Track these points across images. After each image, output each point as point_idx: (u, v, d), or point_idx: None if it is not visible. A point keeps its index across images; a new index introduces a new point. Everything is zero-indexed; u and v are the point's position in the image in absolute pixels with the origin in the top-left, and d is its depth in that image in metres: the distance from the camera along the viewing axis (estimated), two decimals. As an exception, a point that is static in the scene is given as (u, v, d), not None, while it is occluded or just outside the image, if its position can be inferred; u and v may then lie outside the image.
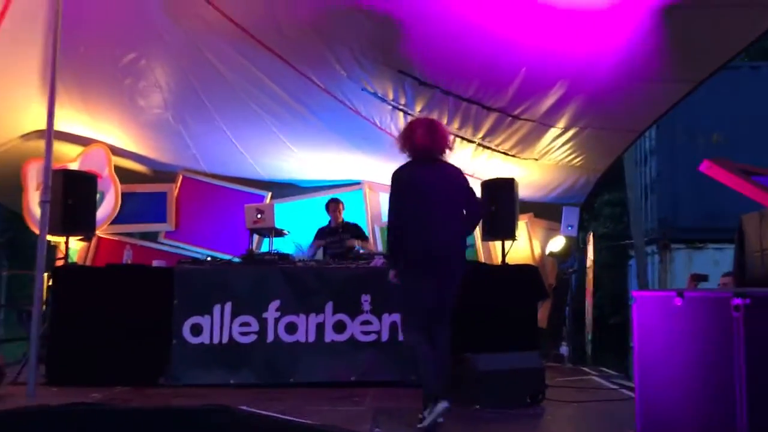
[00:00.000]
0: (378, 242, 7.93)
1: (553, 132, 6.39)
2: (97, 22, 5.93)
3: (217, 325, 5.49)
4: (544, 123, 6.26)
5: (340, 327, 5.51)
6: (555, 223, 7.76)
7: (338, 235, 7.04)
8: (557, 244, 7.62)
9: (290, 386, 5.33)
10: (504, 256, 6.57)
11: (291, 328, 5.50)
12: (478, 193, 6.80)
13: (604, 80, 5.53)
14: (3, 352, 7.27)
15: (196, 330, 5.48)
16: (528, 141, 6.62)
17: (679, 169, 10.50)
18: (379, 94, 6.26)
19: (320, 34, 5.67)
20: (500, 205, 6.52)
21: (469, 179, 7.28)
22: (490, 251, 7.90)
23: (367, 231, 7.68)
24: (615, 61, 5.32)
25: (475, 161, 7.14)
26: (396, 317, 5.25)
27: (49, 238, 5.57)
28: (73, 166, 7.52)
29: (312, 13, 5.47)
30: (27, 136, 7.26)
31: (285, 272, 5.62)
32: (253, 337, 5.49)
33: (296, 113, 6.82)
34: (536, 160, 6.92)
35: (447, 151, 4.35)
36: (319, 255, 7.03)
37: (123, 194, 7.87)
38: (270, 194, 8.19)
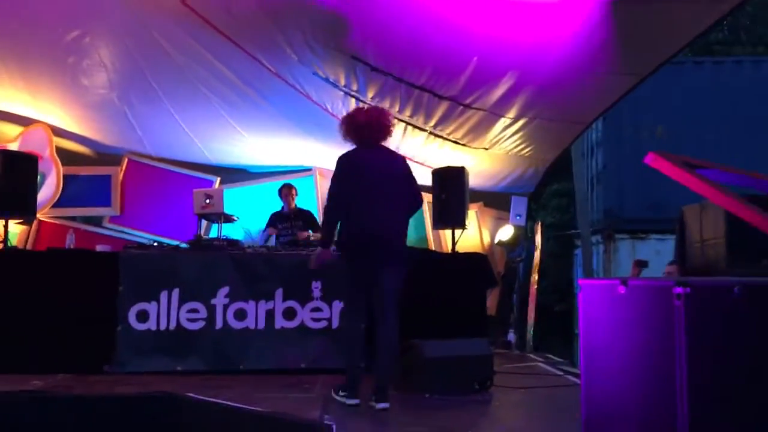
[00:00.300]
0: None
1: (503, 122, 6.47)
2: (40, -3, 5.73)
3: (164, 312, 5.39)
4: (495, 112, 6.33)
5: (290, 314, 5.48)
6: (504, 213, 7.86)
7: (290, 221, 6.98)
8: (506, 233, 7.73)
9: (239, 373, 5.28)
10: (454, 244, 6.63)
11: (240, 315, 5.45)
12: (429, 181, 6.86)
13: (554, 71, 5.62)
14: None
15: (143, 316, 5.38)
16: (479, 130, 6.68)
17: (624, 161, 10.76)
18: (331, 80, 6.22)
19: (271, 16, 5.58)
20: (450, 193, 6.57)
21: (420, 167, 7.40)
22: (440, 239, 7.96)
23: (318, 218, 7.64)
24: (564, 52, 5.40)
25: (426, 149, 7.17)
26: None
27: (-14, 221, 5.38)
28: (13, 146, 7.27)
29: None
30: (-37, 115, 6.99)
31: (234, 258, 5.56)
32: (201, 324, 5.41)
33: (246, 97, 6.72)
34: (486, 149, 6.99)
35: (389, 136, 4.44)
36: (271, 241, 6.97)
37: (65, 176, 7.65)
38: (219, 179, 8.06)
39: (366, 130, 4.33)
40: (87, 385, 4.81)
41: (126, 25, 6.04)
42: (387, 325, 4.17)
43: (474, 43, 5.48)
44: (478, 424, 3.80)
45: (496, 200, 8.01)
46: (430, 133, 6.83)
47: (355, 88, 6.26)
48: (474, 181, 7.14)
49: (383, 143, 4.42)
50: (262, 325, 5.45)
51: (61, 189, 7.60)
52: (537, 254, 7.88)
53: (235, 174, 8.19)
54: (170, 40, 6.13)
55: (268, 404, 3.84)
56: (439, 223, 6.86)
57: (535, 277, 7.82)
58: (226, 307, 5.44)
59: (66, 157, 7.68)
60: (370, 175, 4.24)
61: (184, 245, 5.91)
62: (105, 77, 6.68)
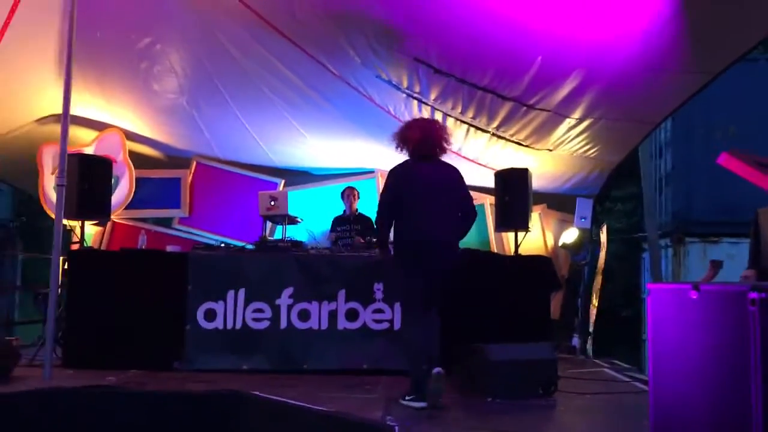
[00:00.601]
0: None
1: (568, 122, 6.35)
2: (113, 6, 5.94)
3: (231, 311, 5.52)
4: (560, 113, 6.22)
5: (352, 315, 5.53)
6: (568, 215, 7.73)
7: (349, 225, 7.05)
8: (570, 235, 7.59)
9: (302, 373, 5.36)
10: (517, 247, 6.55)
11: (304, 315, 5.52)
12: (492, 183, 6.80)
13: (621, 70, 5.48)
14: (19, 334, 7.36)
15: (210, 315, 5.51)
16: (543, 131, 6.58)
17: (694, 162, 10.44)
18: (394, 82, 6.24)
19: (335, 20, 5.64)
20: (514, 195, 6.50)
21: (483, 169, 7.35)
22: (502, 242, 7.88)
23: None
24: (632, 50, 5.26)
25: (489, 151, 7.11)
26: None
27: (64, 222, 5.60)
28: (89, 150, 7.55)
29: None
30: (42, 120, 7.30)
31: (298, 260, 5.64)
32: (266, 324, 5.52)
33: (310, 99, 6.81)
34: (550, 150, 6.88)
35: (444, 152, 4.55)
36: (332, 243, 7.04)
37: (137, 179, 7.90)
38: (283, 182, 8.19)
39: (420, 145, 4.45)
40: (159, 381, 4.96)
41: (194, 31, 6.22)
42: (432, 311, 4.42)
43: (538, 42, 5.39)
44: (542, 428, 3.75)
45: (560, 202, 7.88)
46: (493, 134, 6.77)
47: (417, 90, 6.26)
48: (537, 182, 7.04)
49: (439, 157, 4.52)
50: (325, 325, 5.51)
51: (133, 191, 7.86)
52: (602, 255, 7.71)
53: (299, 176, 8.31)
54: (236, 44, 6.26)
55: (331, 404, 3.88)
56: (502, 225, 6.79)
57: (599, 279, 7.65)
58: (290, 308, 5.53)
59: (138, 160, 7.93)
60: (422, 186, 4.38)
61: (249, 246, 6.03)
62: (175, 82, 6.88)
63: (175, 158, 8.19)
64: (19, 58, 6.20)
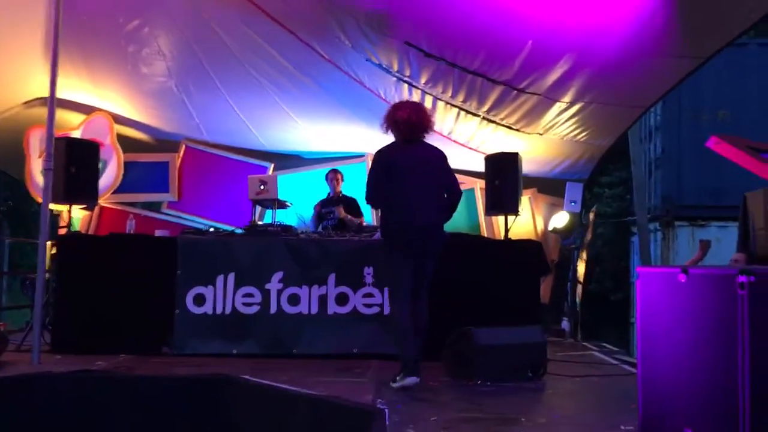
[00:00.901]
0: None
1: (558, 106, 6.34)
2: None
3: (220, 296, 5.51)
4: (550, 97, 6.21)
5: (342, 299, 5.53)
6: (558, 199, 7.74)
7: (333, 206, 7.03)
8: (560, 219, 7.61)
9: (292, 357, 5.36)
10: (507, 231, 6.56)
11: (294, 300, 5.52)
12: (482, 168, 6.80)
13: (611, 54, 5.47)
14: (7, 319, 7.33)
15: (199, 300, 5.50)
16: (533, 115, 6.57)
17: (683, 146, 10.47)
18: (384, 66, 6.21)
19: (324, 3, 5.60)
20: (504, 179, 6.49)
21: (473, 153, 7.34)
22: (492, 226, 7.90)
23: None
24: (622, 35, 5.25)
25: (479, 135, 7.11)
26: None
27: (51, 206, 5.56)
28: (76, 134, 7.49)
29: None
30: (29, 104, 7.23)
31: (288, 244, 5.63)
32: (256, 308, 5.51)
33: (300, 84, 6.77)
34: (541, 134, 6.88)
35: (429, 132, 4.61)
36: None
37: (125, 163, 7.86)
38: (273, 165, 8.17)
39: (410, 129, 4.51)
40: (148, 366, 4.96)
41: (182, 14, 6.16)
42: (420, 304, 4.46)
43: (529, 26, 5.37)
44: (531, 410, 3.77)
45: (550, 186, 7.89)
46: (483, 118, 6.76)
47: (408, 73, 6.23)
48: (528, 167, 7.04)
49: (422, 139, 4.60)
50: (315, 310, 5.51)
51: (121, 175, 7.81)
52: (588, 234, 7.73)
53: (289, 160, 8.28)
54: (226, 28, 6.21)
55: (321, 388, 3.89)
56: (492, 209, 6.79)
57: (583, 259, 7.67)
58: (280, 292, 5.52)
59: (126, 144, 7.88)
60: (408, 170, 4.44)
61: (239, 231, 6.01)
62: (164, 65, 6.82)
63: (164, 142, 8.14)
64: (5, 41, 6.12)
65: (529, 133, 6.89)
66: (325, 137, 7.81)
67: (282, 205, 6.57)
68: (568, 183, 7.58)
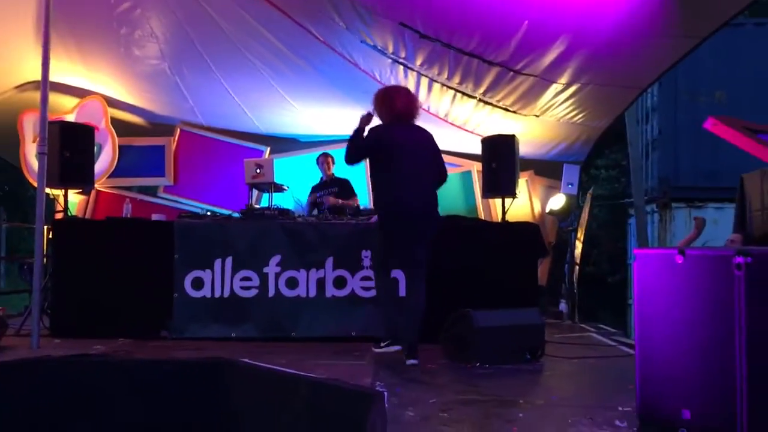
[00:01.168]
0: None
1: (555, 88, 6.31)
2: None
3: (218, 280, 5.51)
4: (546, 78, 6.18)
5: (340, 282, 5.54)
6: (555, 181, 7.74)
7: (326, 189, 7.02)
8: (557, 202, 7.61)
9: (291, 340, 5.38)
10: (504, 213, 6.57)
11: (292, 283, 5.52)
12: (479, 150, 6.79)
13: (607, 35, 5.44)
14: (4, 304, 7.32)
15: (197, 284, 5.50)
16: (529, 96, 6.54)
17: (680, 127, 10.46)
18: (379, 47, 6.16)
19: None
20: (500, 162, 6.49)
21: (470, 135, 7.32)
22: (490, 208, 7.90)
23: (367, 186, 7.64)
24: (618, 15, 5.21)
25: (475, 117, 7.08)
26: (397, 273, 5.24)
27: (47, 191, 5.54)
28: (70, 117, 7.45)
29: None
30: (22, 87, 7.18)
31: (285, 227, 5.62)
32: (254, 292, 5.52)
33: (294, 66, 6.72)
34: (537, 116, 6.85)
35: (417, 116, 4.78)
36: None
37: (120, 147, 7.83)
38: (269, 149, 8.14)
39: (402, 113, 4.65)
40: (147, 350, 4.97)
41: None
42: (416, 287, 4.56)
43: (525, 7, 5.33)
44: (529, 392, 3.79)
45: (547, 168, 7.88)
46: (480, 100, 6.73)
47: (403, 55, 6.19)
48: (524, 149, 7.03)
49: (414, 121, 4.74)
50: (313, 293, 5.52)
51: (117, 159, 7.78)
52: (584, 216, 7.73)
53: (285, 143, 8.25)
54: (219, 10, 6.15)
55: (320, 371, 3.90)
56: (489, 192, 6.79)
57: (581, 238, 7.67)
58: (278, 276, 5.52)
59: (121, 127, 7.84)
60: (402, 151, 4.53)
61: (236, 215, 6.00)
62: (156, 48, 6.76)
63: (159, 125, 8.09)
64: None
65: (525, 115, 6.87)
66: (320, 120, 7.77)
67: (279, 188, 6.56)
68: (565, 165, 7.58)
